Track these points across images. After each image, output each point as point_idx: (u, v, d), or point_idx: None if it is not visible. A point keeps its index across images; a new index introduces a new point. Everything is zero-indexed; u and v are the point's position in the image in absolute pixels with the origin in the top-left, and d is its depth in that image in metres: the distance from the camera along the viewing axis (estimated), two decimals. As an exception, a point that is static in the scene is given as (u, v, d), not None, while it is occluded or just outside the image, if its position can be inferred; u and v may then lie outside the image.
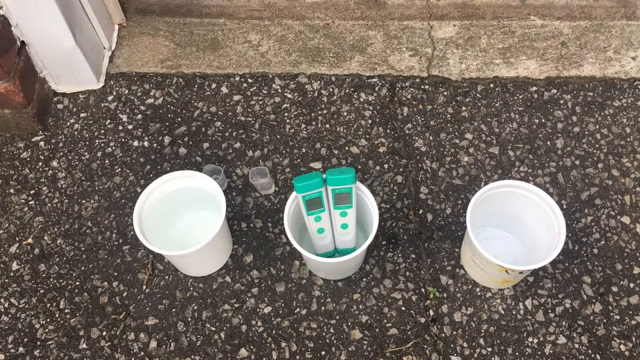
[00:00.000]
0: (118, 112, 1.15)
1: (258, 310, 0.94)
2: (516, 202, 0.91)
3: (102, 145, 1.11)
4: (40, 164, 1.10)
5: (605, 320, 0.92)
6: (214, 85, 1.18)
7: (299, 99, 1.16)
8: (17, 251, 1.01)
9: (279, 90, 1.17)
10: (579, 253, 0.98)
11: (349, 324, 0.93)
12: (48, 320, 0.95)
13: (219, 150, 1.10)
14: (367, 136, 1.10)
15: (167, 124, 1.13)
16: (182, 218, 1.00)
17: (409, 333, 0.92)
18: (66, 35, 1.05)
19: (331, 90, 1.16)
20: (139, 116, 1.15)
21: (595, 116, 1.12)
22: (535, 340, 0.91)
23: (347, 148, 1.09)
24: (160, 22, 1.28)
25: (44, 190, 1.07)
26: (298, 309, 0.94)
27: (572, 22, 1.25)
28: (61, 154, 1.11)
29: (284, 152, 1.09)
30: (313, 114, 1.14)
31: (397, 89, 1.16)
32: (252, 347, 0.92)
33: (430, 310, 0.93)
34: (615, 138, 1.10)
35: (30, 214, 1.05)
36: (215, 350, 0.91)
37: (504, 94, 1.15)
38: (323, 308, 0.94)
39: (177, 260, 0.93)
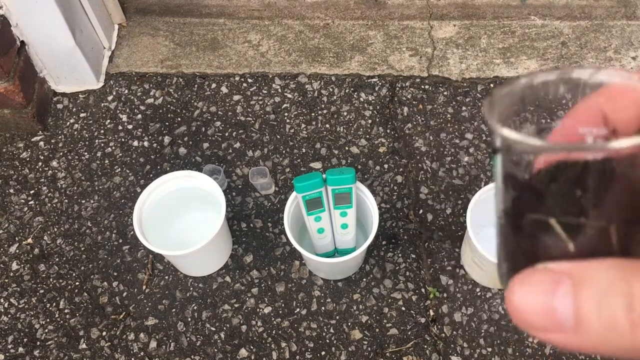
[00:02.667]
0: (118, 112, 1.15)
1: (258, 310, 0.94)
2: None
3: (102, 145, 1.11)
4: (40, 164, 1.10)
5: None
6: (213, 85, 1.18)
7: (299, 98, 1.15)
8: (17, 251, 1.01)
9: (279, 90, 1.17)
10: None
11: (349, 324, 0.93)
12: (48, 320, 0.95)
13: (219, 150, 1.10)
14: (367, 136, 1.10)
15: (167, 124, 1.13)
16: (182, 218, 1.00)
17: (409, 333, 0.92)
18: (66, 35, 1.04)
19: (331, 90, 1.16)
20: (139, 116, 1.15)
21: (596, 116, 1.12)
22: (536, 340, 0.91)
23: (347, 148, 1.09)
24: (160, 22, 1.28)
25: (44, 190, 1.07)
26: (298, 309, 0.94)
27: (573, 22, 1.25)
28: (61, 154, 1.11)
29: (284, 152, 1.09)
30: (313, 114, 1.13)
31: (397, 88, 1.16)
32: (252, 347, 0.91)
33: (431, 311, 0.93)
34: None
35: (30, 214, 1.05)
36: (215, 350, 0.91)
37: (504, 94, 1.15)
38: (323, 308, 0.94)
39: (177, 260, 0.93)
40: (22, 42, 1.06)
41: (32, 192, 1.07)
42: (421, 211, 1.02)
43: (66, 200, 1.06)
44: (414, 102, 1.14)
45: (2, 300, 0.97)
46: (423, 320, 0.92)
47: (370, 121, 1.12)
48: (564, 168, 0.20)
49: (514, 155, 0.21)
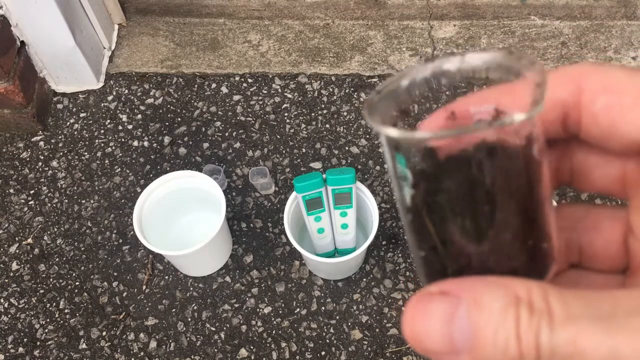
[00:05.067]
0: (118, 112, 1.15)
1: (258, 310, 0.94)
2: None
3: (102, 145, 1.11)
4: (40, 164, 1.10)
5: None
6: (214, 85, 1.18)
7: (299, 98, 1.15)
8: (17, 251, 1.01)
9: (279, 90, 1.17)
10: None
11: (349, 324, 0.93)
12: (48, 320, 0.95)
13: (219, 150, 1.10)
14: (367, 136, 1.10)
15: (167, 124, 1.13)
16: (182, 218, 1.00)
17: (409, 333, 0.91)
18: (66, 35, 1.04)
19: (331, 90, 1.16)
20: (139, 116, 1.15)
21: (596, 116, 1.12)
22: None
23: (347, 148, 1.09)
24: (160, 22, 1.28)
25: (44, 190, 1.07)
26: (298, 309, 0.94)
27: (573, 22, 1.25)
28: (61, 154, 1.11)
29: (284, 152, 1.09)
30: (313, 114, 1.13)
31: (397, 88, 1.16)
32: (252, 347, 0.91)
33: (431, 311, 0.93)
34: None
35: (30, 214, 1.05)
36: (215, 350, 0.91)
37: (504, 94, 1.15)
38: (323, 308, 0.94)
39: (177, 261, 0.93)
40: (22, 42, 1.06)
41: (32, 192, 1.07)
42: (421, 211, 1.02)
43: (66, 200, 1.06)
44: (414, 102, 1.14)
45: (2, 300, 0.97)
46: (423, 320, 0.92)
47: (370, 121, 1.12)
48: (453, 161, 0.18)
49: (406, 152, 0.19)
